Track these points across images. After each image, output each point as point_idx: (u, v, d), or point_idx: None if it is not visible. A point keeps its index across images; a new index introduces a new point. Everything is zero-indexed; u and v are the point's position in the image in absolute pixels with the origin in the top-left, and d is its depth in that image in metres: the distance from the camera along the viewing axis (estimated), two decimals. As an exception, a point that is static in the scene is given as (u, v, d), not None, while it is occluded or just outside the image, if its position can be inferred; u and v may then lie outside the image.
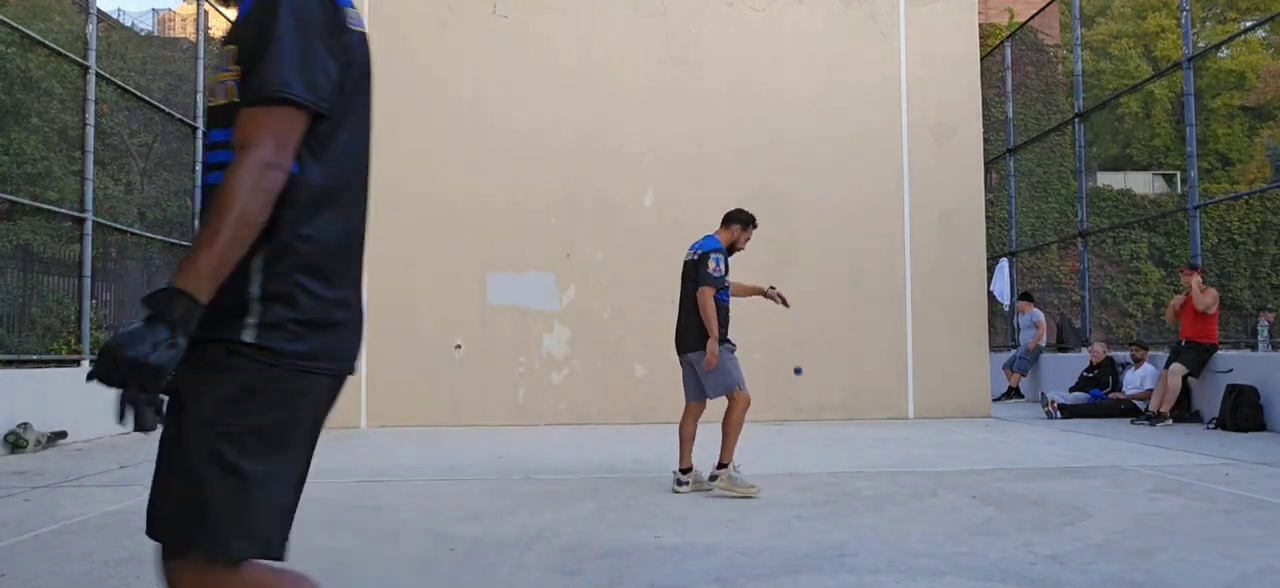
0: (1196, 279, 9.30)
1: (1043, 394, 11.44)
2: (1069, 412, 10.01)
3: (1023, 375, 13.00)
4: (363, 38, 1.71)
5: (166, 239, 11.06)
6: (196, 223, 11.52)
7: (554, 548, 3.95)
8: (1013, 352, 13.38)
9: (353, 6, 1.72)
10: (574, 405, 9.94)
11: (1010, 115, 14.71)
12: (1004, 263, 14.36)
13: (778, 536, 4.12)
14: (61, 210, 8.82)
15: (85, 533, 4.35)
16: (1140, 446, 7.40)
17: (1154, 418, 9.09)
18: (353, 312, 1.70)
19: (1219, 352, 9.34)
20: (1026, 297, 13.51)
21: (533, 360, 10.00)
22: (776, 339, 9.62)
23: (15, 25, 8.40)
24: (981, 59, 11.69)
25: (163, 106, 10.97)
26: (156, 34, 18.36)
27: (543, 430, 9.18)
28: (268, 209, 1.49)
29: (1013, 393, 12.83)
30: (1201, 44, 19.53)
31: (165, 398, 1.54)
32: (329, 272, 1.61)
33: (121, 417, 1.42)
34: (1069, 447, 7.41)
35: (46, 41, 8.78)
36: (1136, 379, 10.13)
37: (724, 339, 5.37)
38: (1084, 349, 11.90)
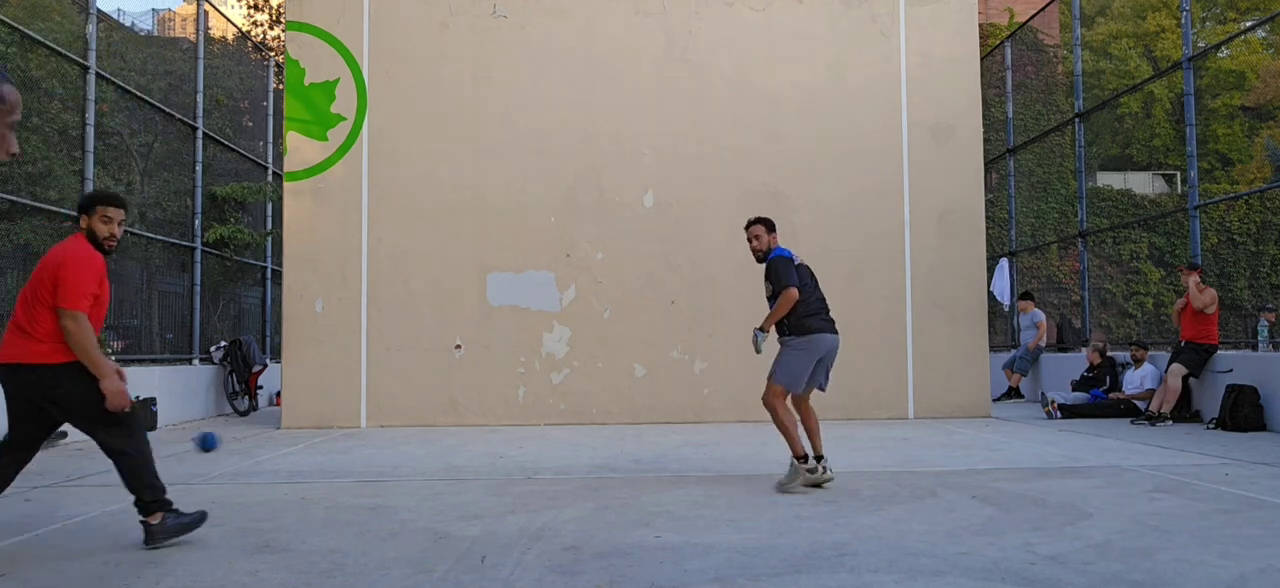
0: (1193, 278, 9.30)
1: (1043, 394, 11.43)
2: (1069, 412, 10.01)
3: (1023, 376, 13.00)
4: None
5: (167, 239, 11.06)
6: (197, 223, 11.54)
7: (554, 548, 3.95)
8: (1013, 352, 13.38)
9: None
10: (574, 405, 9.94)
11: (1010, 115, 14.72)
12: (1004, 263, 14.36)
13: (778, 536, 4.12)
14: (62, 210, 8.82)
15: (85, 533, 4.35)
16: (1140, 445, 7.40)
17: (1154, 418, 9.09)
18: None
19: (1219, 352, 9.34)
20: (1027, 296, 13.50)
21: (533, 360, 10.00)
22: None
23: (15, 25, 8.40)
24: (981, 59, 11.69)
25: (163, 107, 10.98)
26: (156, 34, 18.39)
27: (543, 430, 9.18)
28: None
29: (1013, 393, 12.83)
30: (1201, 44, 19.53)
31: None
32: None
33: None
34: (1069, 447, 7.41)
35: (46, 42, 8.79)
36: (1136, 379, 10.13)
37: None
38: (1083, 349, 11.91)
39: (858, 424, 9.52)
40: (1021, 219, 15.10)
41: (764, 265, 5.69)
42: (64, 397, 3.97)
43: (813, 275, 5.67)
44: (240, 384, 11.57)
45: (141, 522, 4.01)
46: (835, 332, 5.56)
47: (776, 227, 5.88)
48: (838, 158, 10.28)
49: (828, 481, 5.36)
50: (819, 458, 5.42)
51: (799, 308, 5.45)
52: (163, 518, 4.01)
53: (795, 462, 5.36)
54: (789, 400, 5.51)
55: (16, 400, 4.03)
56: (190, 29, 14.22)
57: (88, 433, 4.05)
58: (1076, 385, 10.89)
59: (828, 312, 5.58)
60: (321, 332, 9.89)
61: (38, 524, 4.56)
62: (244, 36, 15.58)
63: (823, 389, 5.65)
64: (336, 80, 10.13)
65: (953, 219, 10.40)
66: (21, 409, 4.03)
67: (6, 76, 2.83)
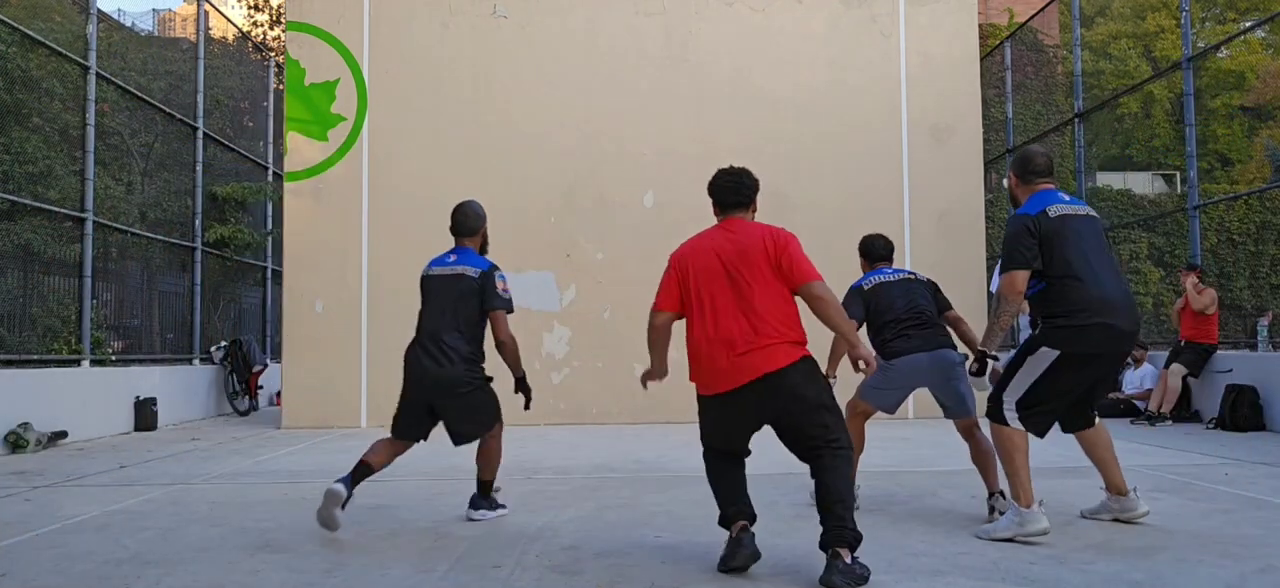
0: (1192, 280, 9.29)
1: (1043, 394, 11.41)
2: (1069, 412, 9.99)
3: (1023, 376, 12.97)
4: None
5: (167, 239, 11.06)
6: (197, 223, 11.53)
7: (554, 548, 3.95)
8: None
9: None
10: (574, 405, 9.93)
11: (1010, 115, 14.71)
12: (1004, 263, 14.33)
13: (778, 536, 4.12)
14: (62, 210, 8.82)
15: (86, 533, 4.35)
16: (1140, 445, 7.40)
17: (1153, 418, 9.09)
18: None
19: (1218, 352, 9.33)
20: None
21: (533, 360, 9.96)
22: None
23: (15, 25, 8.40)
24: (981, 59, 11.68)
25: (163, 107, 10.98)
26: (156, 34, 18.37)
27: (543, 431, 9.17)
28: None
29: (1013, 393, 12.80)
30: (1201, 44, 19.52)
31: None
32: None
33: None
34: (1069, 447, 7.37)
35: (47, 42, 8.79)
36: (1136, 379, 10.13)
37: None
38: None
39: (858, 424, 9.51)
40: (1021, 219, 15.09)
41: None
42: (813, 390, 3.51)
43: (911, 286, 4.97)
44: (240, 384, 11.57)
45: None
46: (932, 348, 4.78)
47: (875, 248, 5.17)
48: (838, 158, 10.28)
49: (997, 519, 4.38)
50: (991, 494, 4.64)
51: (883, 331, 4.83)
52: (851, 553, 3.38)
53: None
54: (866, 420, 4.93)
55: (739, 422, 3.65)
56: (190, 29, 14.22)
57: (798, 434, 3.53)
58: (1076, 386, 10.87)
59: (924, 325, 4.84)
60: (321, 332, 9.89)
61: (38, 524, 4.56)
62: (244, 37, 15.59)
63: (954, 416, 4.86)
64: (336, 80, 10.13)
65: (953, 219, 10.40)
66: (737, 430, 3.68)
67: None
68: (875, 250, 5.20)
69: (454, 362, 4.41)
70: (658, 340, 3.81)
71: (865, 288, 4.98)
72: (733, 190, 3.77)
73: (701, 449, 3.79)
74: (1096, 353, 3.99)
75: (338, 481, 4.22)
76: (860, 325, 4.83)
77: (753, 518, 3.57)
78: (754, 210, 3.84)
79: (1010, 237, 4.05)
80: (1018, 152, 4.52)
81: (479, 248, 4.78)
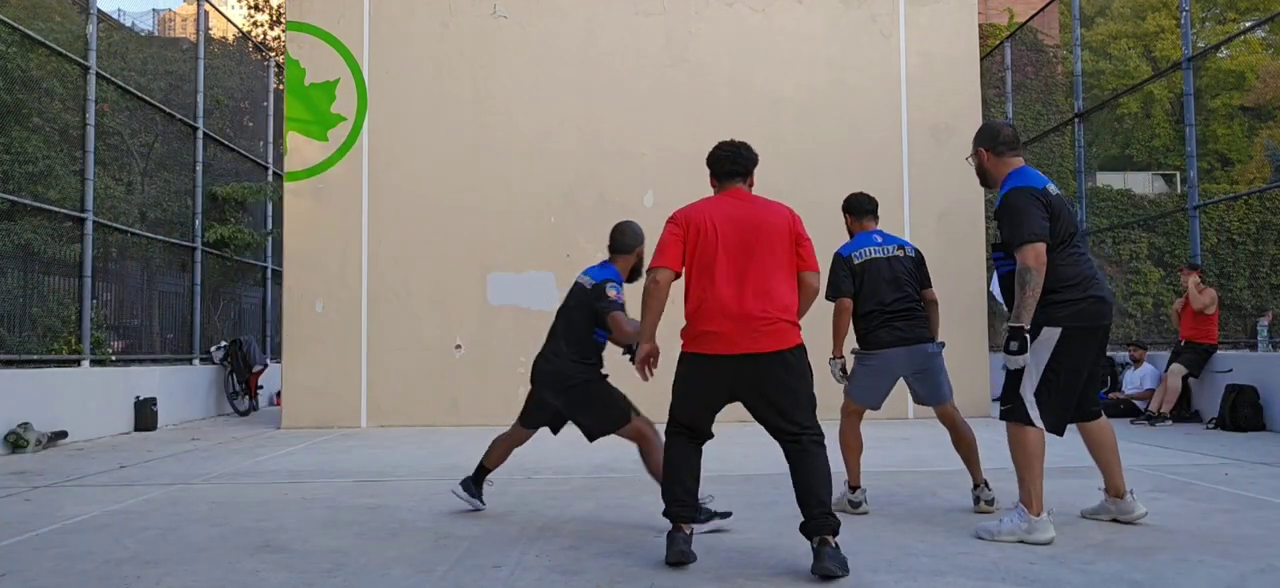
0: (1192, 279, 9.29)
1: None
2: (1069, 412, 9.99)
3: (1023, 376, 12.96)
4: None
5: (167, 239, 11.06)
6: (197, 223, 11.53)
7: (554, 548, 3.95)
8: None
9: None
10: (574, 405, 9.93)
11: (1010, 115, 14.72)
12: (1004, 263, 14.32)
13: (778, 536, 4.12)
14: (62, 210, 8.83)
15: (86, 533, 4.35)
16: (1140, 445, 7.40)
17: (1153, 418, 9.09)
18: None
19: (1219, 352, 9.34)
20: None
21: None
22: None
23: (15, 25, 8.41)
24: (981, 59, 11.69)
25: (163, 107, 10.98)
26: (157, 34, 18.38)
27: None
28: None
29: (1013, 393, 12.79)
30: (1201, 44, 19.52)
31: None
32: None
33: None
34: (1069, 447, 7.39)
35: (47, 41, 8.80)
36: (1136, 379, 10.13)
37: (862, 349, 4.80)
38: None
39: (858, 424, 9.49)
40: (1021, 219, 15.07)
41: None
42: (805, 379, 3.57)
43: (898, 264, 4.79)
44: (240, 384, 11.57)
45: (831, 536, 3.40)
46: (911, 341, 4.63)
47: (862, 204, 5.10)
48: (838, 158, 10.27)
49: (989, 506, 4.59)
50: (976, 486, 4.69)
51: (867, 319, 4.71)
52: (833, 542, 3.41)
53: (846, 486, 4.72)
54: (860, 419, 4.84)
55: (719, 392, 3.64)
56: (190, 29, 14.23)
57: (785, 417, 3.52)
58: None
59: (908, 315, 4.68)
60: (321, 332, 9.89)
61: (38, 524, 4.56)
62: (244, 37, 15.59)
63: (928, 402, 4.80)
64: (336, 80, 10.14)
65: (953, 219, 10.40)
66: (714, 402, 3.69)
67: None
68: (862, 206, 5.10)
69: (559, 359, 4.73)
70: (654, 303, 3.63)
71: (855, 262, 4.86)
72: (731, 159, 3.81)
73: (667, 427, 3.85)
74: (1093, 326, 3.99)
75: (461, 484, 4.90)
76: (851, 297, 4.78)
77: (693, 518, 3.70)
78: (752, 183, 3.86)
79: (1020, 208, 3.88)
80: (982, 126, 4.38)
81: (628, 268, 4.82)
